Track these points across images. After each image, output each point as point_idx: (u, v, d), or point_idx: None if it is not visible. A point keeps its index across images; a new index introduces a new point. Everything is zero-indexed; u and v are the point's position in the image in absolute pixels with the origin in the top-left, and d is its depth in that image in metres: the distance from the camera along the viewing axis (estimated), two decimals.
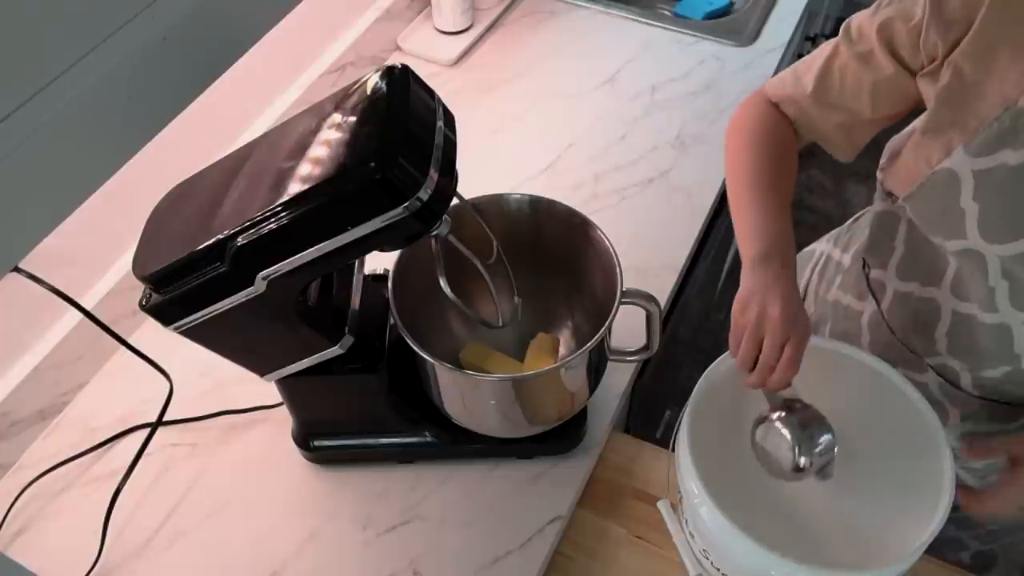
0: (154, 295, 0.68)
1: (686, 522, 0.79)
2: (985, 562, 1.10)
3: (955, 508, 0.72)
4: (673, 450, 0.79)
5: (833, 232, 1.10)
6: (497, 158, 1.25)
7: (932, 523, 0.69)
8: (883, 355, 0.91)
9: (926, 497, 0.72)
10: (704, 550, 0.76)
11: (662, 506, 0.86)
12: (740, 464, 0.76)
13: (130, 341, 0.82)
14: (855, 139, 0.85)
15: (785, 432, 0.70)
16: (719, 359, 0.80)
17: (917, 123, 0.77)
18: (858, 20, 0.79)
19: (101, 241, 1.00)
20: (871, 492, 0.76)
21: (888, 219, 0.86)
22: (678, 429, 0.76)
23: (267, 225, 0.62)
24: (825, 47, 0.82)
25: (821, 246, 1.11)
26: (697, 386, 0.79)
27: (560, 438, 0.92)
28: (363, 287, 0.84)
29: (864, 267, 0.95)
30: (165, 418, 0.88)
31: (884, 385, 0.80)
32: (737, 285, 0.75)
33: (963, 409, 0.87)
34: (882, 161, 0.86)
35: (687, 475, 0.74)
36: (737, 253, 0.78)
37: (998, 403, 0.85)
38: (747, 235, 0.77)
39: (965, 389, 0.86)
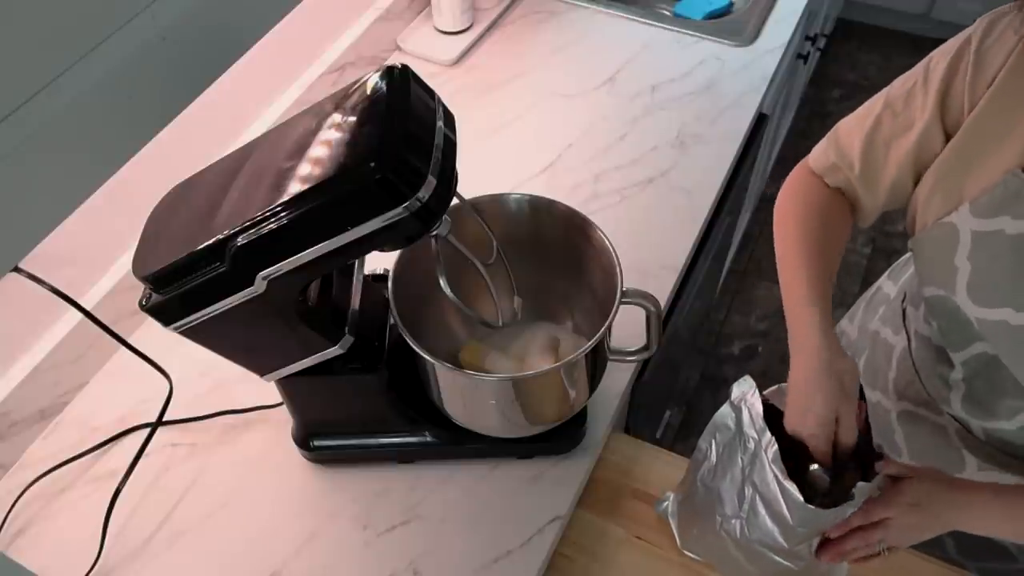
0: (154, 295, 0.68)
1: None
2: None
3: None
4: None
5: (894, 263, 1.09)
6: (497, 158, 1.25)
7: None
8: (904, 392, 0.91)
9: None
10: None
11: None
12: None
13: (130, 341, 0.82)
14: (891, 206, 0.82)
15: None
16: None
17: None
18: (901, 87, 0.76)
19: (101, 241, 1.00)
20: None
21: None
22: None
23: (267, 225, 0.62)
24: (868, 110, 0.79)
25: (880, 278, 1.10)
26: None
27: (560, 438, 0.92)
28: (363, 287, 0.84)
29: (903, 301, 0.95)
30: (165, 418, 0.88)
31: None
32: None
33: (980, 458, 0.87)
34: None
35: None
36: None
37: (1012, 456, 0.84)
38: (799, 325, 0.75)
39: (978, 437, 0.86)
